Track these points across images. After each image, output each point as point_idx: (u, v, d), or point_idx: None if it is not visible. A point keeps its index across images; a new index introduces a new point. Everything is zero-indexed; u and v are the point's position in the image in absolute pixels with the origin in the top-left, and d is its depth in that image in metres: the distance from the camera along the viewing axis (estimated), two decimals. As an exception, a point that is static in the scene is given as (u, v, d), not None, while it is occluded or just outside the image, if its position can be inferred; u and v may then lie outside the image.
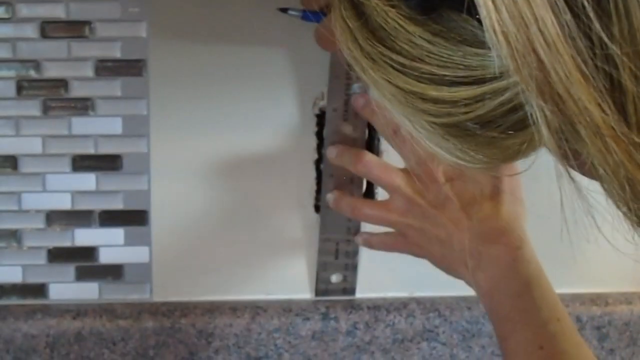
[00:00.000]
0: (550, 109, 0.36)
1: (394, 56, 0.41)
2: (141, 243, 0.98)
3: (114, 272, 0.99)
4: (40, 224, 0.97)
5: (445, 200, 0.84)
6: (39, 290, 0.99)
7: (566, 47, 0.35)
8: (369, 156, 0.90)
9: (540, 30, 0.34)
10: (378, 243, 0.93)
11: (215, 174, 0.97)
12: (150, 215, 0.98)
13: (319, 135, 0.96)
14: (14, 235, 0.97)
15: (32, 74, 0.92)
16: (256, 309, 0.99)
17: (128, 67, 0.93)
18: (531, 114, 0.37)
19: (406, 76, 0.41)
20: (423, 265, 0.90)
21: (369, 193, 0.97)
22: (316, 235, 0.99)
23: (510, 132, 0.40)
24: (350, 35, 0.43)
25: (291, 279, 1.01)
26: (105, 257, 0.99)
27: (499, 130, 0.41)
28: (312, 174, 0.98)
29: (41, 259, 0.98)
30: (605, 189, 0.38)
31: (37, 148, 0.94)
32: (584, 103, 0.35)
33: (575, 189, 0.39)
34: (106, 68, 0.92)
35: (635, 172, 0.36)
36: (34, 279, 0.99)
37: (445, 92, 0.40)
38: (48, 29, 0.91)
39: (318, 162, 0.97)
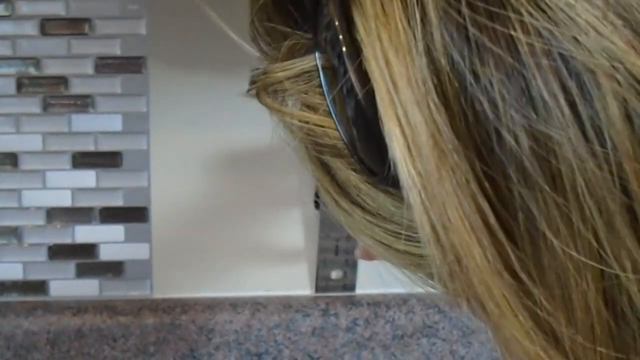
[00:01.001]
0: (489, 325, 0.37)
1: (359, 212, 0.41)
2: (141, 240, 0.99)
3: (115, 268, 0.99)
4: (40, 221, 0.97)
5: None
6: (40, 287, 0.99)
7: (495, 279, 0.35)
8: None
9: (468, 258, 0.34)
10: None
11: (215, 171, 0.97)
12: (150, 212, 0.98)
13: (319, 131, 0.96)
14: (15, 232, 0.97)
15: (32, 71, 0.92)
16: (256, 305, 0.99)
17: (128, 65, 0.93)
18: None
19: (375, 229, 0.41)
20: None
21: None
22: (316, 232, 0.99)
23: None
24: (322, 187, 0.43)
25: (291, 276, 1.01)
26: (106, 253, 0.99)
27: None
28: (312, 170, 0.98)
29: (41, 255, 0.98)
30: None
31: (37, 145, 0.95)
32: (515, 335, 0.35)
33: None
34: (106, 65, 0.93)
35: None
36: (34, 275, 0.99)
37: (412, 248, 0.40)
38: (48, 26, 0.91)
39: (318, 159, 0.97)
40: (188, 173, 0.97)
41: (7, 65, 0.92)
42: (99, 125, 0.94)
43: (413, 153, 0.33)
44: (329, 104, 0.38)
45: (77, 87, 0.93)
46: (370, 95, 0.35)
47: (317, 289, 1.02)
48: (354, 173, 0.40)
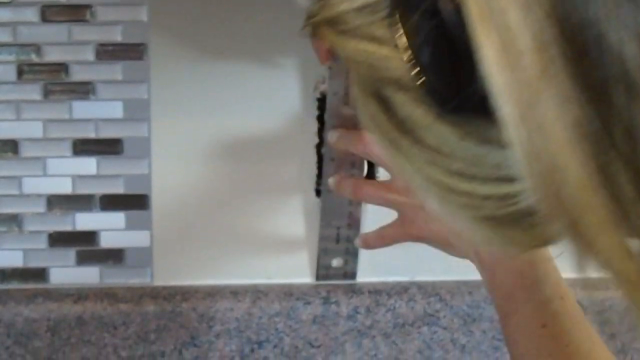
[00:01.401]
0: (577, 247, 0.35)
1: (422, 150, 0.40)
2: (142, 227, 0.98)
3: (115, 256, 0.99)
4: (41, 208, 0.97)
5: None
6: (40, 274, 0.99)
7: (593, 196, 0.33)
8: (369, 136, 0.90)
9: (566, 173, 0.33)
10: (375, 239, 0.92)
11: (216, 158, 0.97)
12: (151, 200, 0.97)
13: (320, 119, 0.96)
14: (15, 220, 0.97)
15: (33, 58, 0.92)
16: (257, 293, 0.99)
17: (129, 51, 0.93)
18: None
19: (435, 169, 0.40)
20: (424, 250, 0.89)
21: (370, 177, 0.97)
22: (317, 220, 0.99)
23: (546, 222, 0.39)
24: (374, 122, 0.42)
25: (292, 263, 1.01)
26: (106, 241, 0.98)
27: (533, 220, 0.39)
28: (313, 158, 0.98)
29: (42, 243, 0.98)
30: None
31: (38, 132, 0.94)
32: (611, 255, 0.34)
33: None
34: (107, 52, 0.92)
35: None
36: (34, 263, 0.99)
37: (476, 187, 0.39)
38: (48, 12, 0.91)
39: (319, 146, 0.97)
40: (189, 160, 0.96)
41: (8, 52, 0.91)
42: (100, 112, 0.94)
43: (511, 62, 0.32)
44: (399, 34, 0.37)
45: (78, 74, 0.93)
46: (455, 13, 0.34)
47: (318, 277, 1.02)
48: (419, 106, 0.39)
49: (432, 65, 0.37)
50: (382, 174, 0.95)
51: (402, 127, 0.40)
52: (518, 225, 0.39)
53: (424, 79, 0.37)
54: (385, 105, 0.40)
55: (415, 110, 0.39)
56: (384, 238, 0.91)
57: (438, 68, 0.37)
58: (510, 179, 0.38)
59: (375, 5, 0.39)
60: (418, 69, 0.37)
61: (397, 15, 0.37)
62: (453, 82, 0.36)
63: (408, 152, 0.41)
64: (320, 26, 0.41)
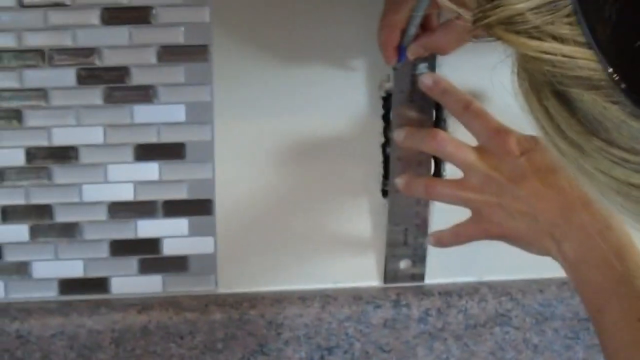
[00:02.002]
0: None
1: (611, 149, 0.38)
2: (206, 233, 0.96)
3: (178, 263, 0.97)
4: (102, 215, 0.94)
5: (522, 173, 0.82)
6: (101, 284, 0.97)
7: None
8: (442, 134, 0.88)
9: None
10: (450, 237, 0.90)
11: (280, 161, 0.95)
12: (214, 205, 0.95)
13: (386, 118, 0.94)
14: (75, 228, 0.95)
15: (93, 61, 0.89)
16: (326, 297, 0.97)
17: (191, 53, 0.90)
18: None
19: (625, 168, 0.39)
20: (492, 249, 0.88)
21: (437, 176, 0.95)
22: (383, 221, 0.97)
23: None
24: (553, 125, 0.40)
25: (359, 266, 0.99)
26: (169, 248, 0.96)
27: None
28: (379, 158, 0.95)
29: (103, 252, 0.96)
30: None
31: (99, 138, 0.92)
32: None
33: None
34: (169, 54, 0.90)
35: None
36: (95, 272, 0.96)
37: None
38: (109, 15, 0.88)
39: (385, 146, 0.95)
40: (253, 164, 0.94)
41: (68, 56, 0.89)
42: (162, 116, 0.92)
43: None
44: (589, 33, 0.36)
45: (139, 78, 0.91)
46: None
47: (386, 279, 0.99)
48: (611, 105, 0.37)
49: (632, 62, 0.35)
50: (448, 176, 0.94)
51: (589, 126, 0.39)
52: None
53: (620, 77, 0.35)
54: (568, 104, 0.39)
55: (606, 109, 0.38)
56: (459, 236, 0.89)
57: (633, 65, 0.35)
58: None
59: (555, 3, 0.37)
60: (613, 67, 0.36)
61: (584, 11, 0.36)
62: None
63: (592, 152, 0.39)
64: (494, 27, 0.39)
